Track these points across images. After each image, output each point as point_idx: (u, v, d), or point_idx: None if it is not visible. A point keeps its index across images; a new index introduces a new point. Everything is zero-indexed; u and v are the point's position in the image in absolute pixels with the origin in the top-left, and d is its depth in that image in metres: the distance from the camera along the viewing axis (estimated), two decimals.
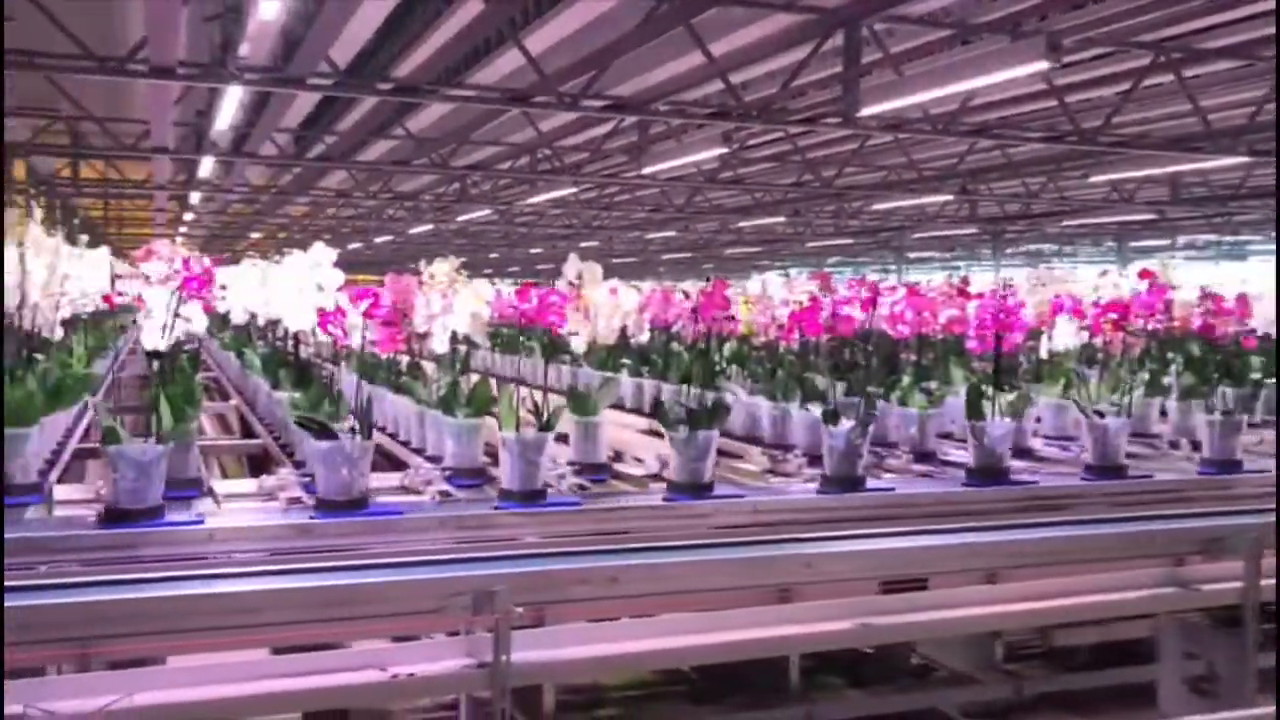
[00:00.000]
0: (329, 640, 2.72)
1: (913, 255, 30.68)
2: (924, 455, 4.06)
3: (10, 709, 2.25)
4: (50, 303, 3.65)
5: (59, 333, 4.05)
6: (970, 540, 3.21)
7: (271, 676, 2.54)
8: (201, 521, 3.02)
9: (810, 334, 4.33)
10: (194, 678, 2.48)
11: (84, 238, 3.98)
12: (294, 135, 12.39)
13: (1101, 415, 3.86)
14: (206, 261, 3.42)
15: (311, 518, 3.10)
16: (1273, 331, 5.13)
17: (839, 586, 3.03)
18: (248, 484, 3.62)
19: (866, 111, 8.31)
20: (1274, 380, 4.83)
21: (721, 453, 4.39)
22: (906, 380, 4.30)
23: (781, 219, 21.06)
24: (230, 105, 7.15)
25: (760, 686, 3.63)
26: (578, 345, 3.85)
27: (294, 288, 3.75)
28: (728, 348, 5.29)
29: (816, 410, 3.75)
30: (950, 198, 17.85)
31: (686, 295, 4.92)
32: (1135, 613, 3.40)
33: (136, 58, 5.39)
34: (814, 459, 3.81)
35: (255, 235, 26.83)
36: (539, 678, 2.66)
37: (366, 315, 3.67)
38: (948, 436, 4.35)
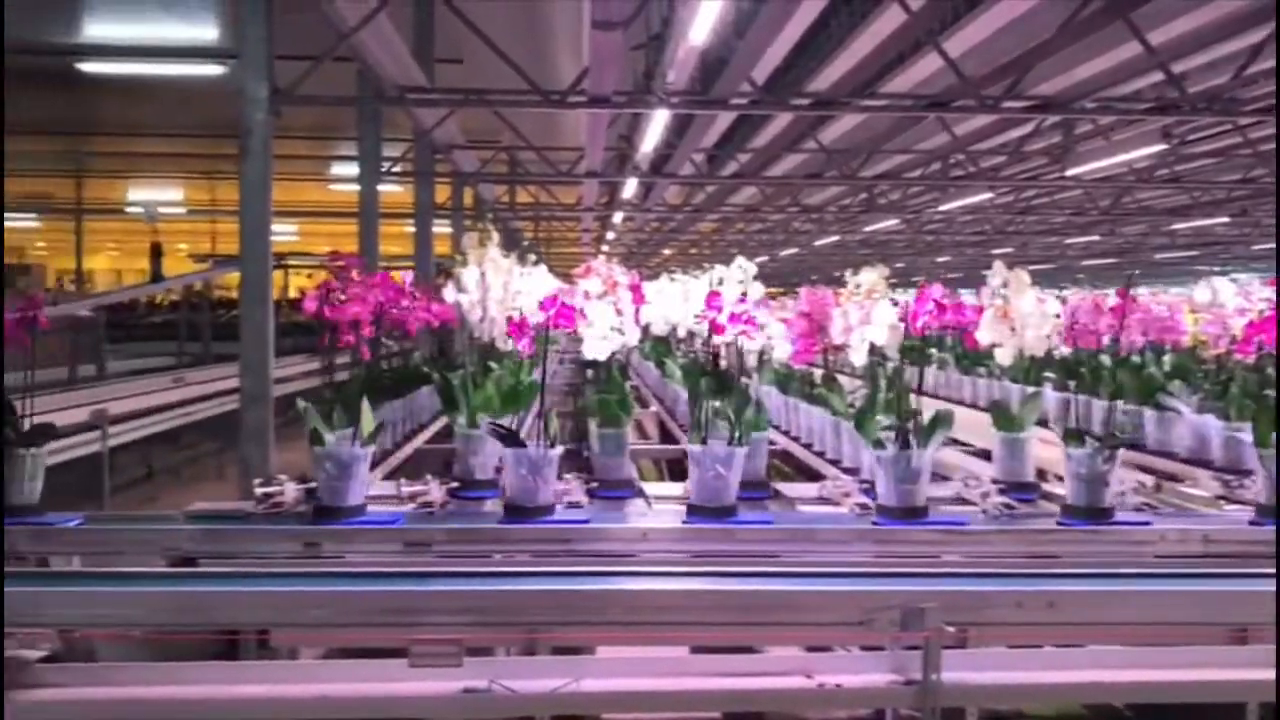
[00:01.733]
0: (740, 644, 2.78)
1: None
2: None
3: (475, 683, 2.49)
4: (504, 316, 4.01)
5: (509, 344, 4.46)
6: None
7: (698, 674, 2.64)
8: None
9: (1271, 347, 3.90)
10: (630, 669, 2.63)
11: (531, 257, 4.35)
12: (707, 155, 12.89)
13: None
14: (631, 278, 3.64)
15: (684, 521, 3.20)
16: None
17: None
18: (675, 487, 3.79)
19: None
20: None
21: (1153, 472, 4.06)
22: None
23: (1225, 219, 19.13)
24: (656, 129, 7.60)
25: None
26: (1002, 357, 3.69)
27: None
28: (1169, 360, 4.88)
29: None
30: None
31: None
32: None
33: (577, 89, 5.85)
34: None
35: (667, 251, 28.19)
36: (966, 700, 2.58)
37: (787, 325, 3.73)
38: None
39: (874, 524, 3.19)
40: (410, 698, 2.47)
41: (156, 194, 22.68)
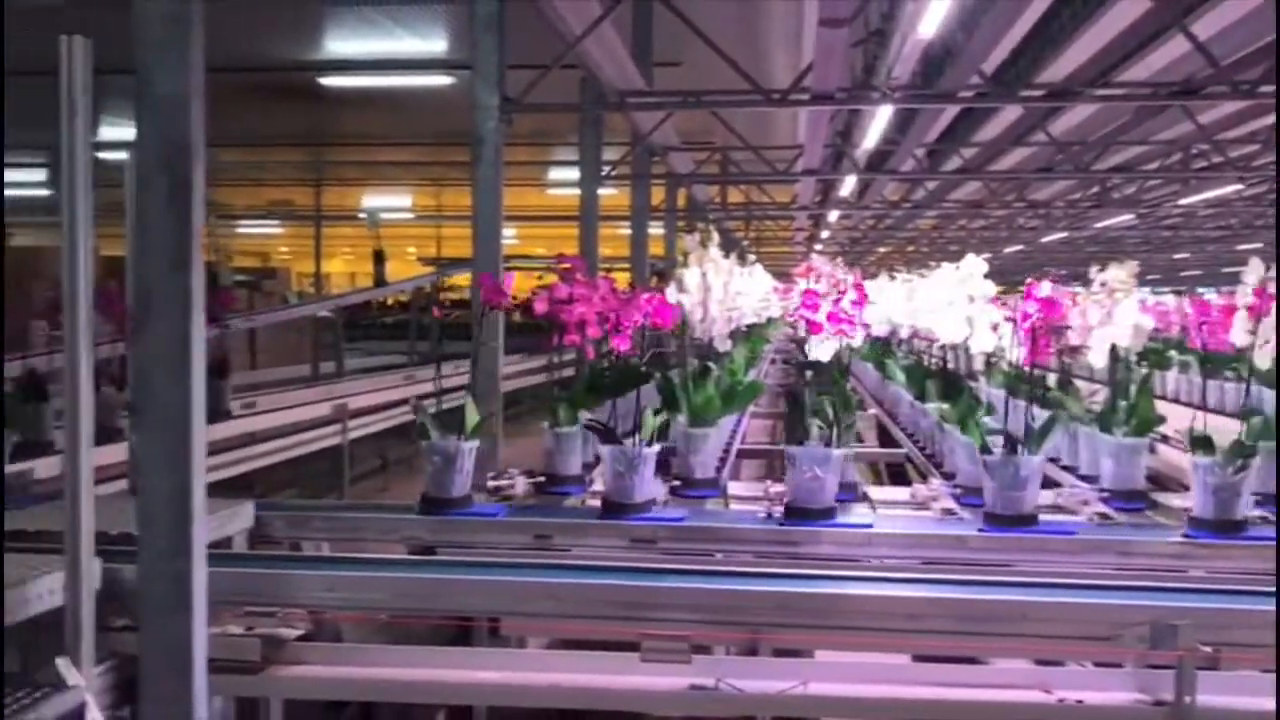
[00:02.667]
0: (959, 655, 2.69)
1: None
2: None
3: (703, 680, 2.51)
4: (724, 316, 4.02)
5: (726, 344, 4.47)
6: None
7: (926, 683, 2.57)
8: (869, 526, 3.14)
9: None
10: (857, 674, 2.59)
11: (750, 257, 4.36)
12: (928, 150, 12.55)
13: None
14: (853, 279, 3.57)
15: (980, 530, 3.09)
16: None
17: None
18: (899, 492, 3.72)
19: None
20: None
21: None
22: None
23: None
24: (878, 125, 7.48)
25: None
26: (1261, 360, 3.44)
27: (944, 300, 3.78)
28: None
29: None
30: None
31: None
32: None
33: (800, 87, 5.82)
34: None
35: (881, 249, 27.63)
36: None
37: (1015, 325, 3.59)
38: None
39: (1186, 537, 3.01)
40: (639, 691, 2.51)
41: (388, 200, 23.92)
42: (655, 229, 12.19)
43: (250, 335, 11.80)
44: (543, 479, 3.68)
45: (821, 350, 3.42)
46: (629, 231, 10.54)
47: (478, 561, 2.93)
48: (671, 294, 3.80)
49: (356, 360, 13.71)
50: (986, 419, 3.60)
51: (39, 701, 2.12)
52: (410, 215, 25.25)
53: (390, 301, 20.97)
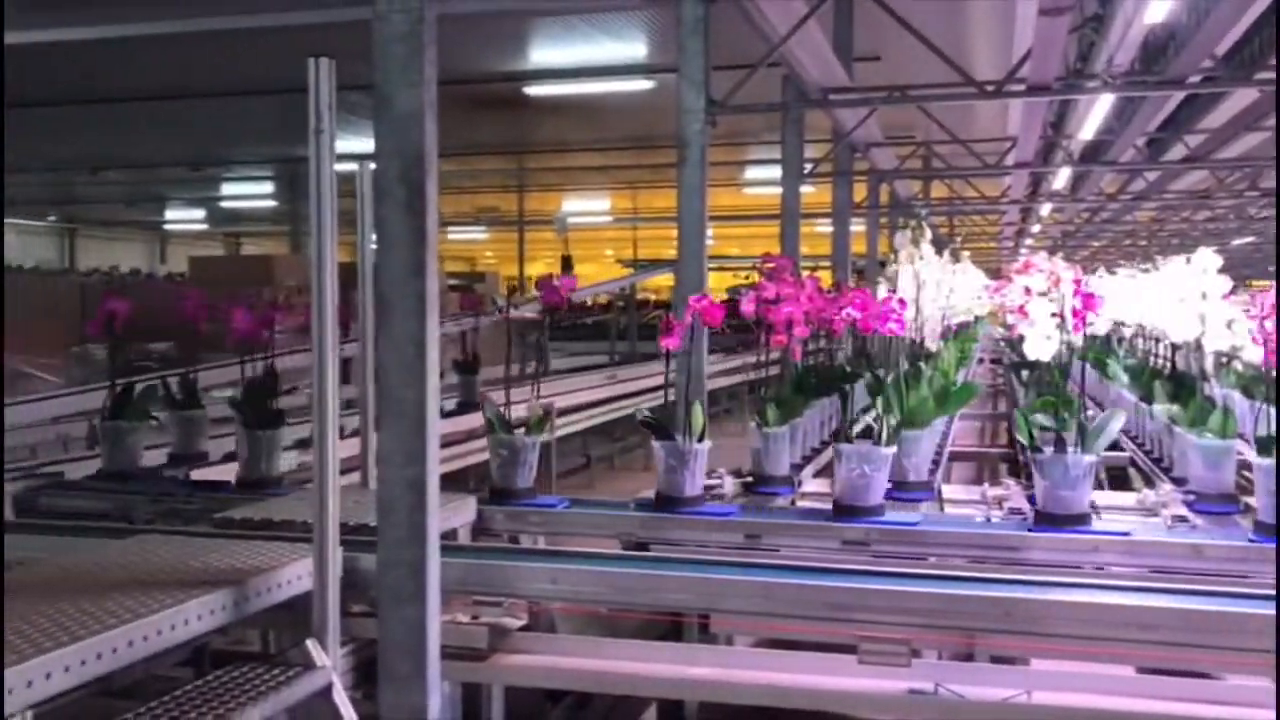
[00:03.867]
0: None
1: None
2: None
3: (922, 685, 2.47)
4: (937, 315, 3.95)
5: (937, 345, 4.38)
6: None
7: (1154, 697, 2.47)
8: (1127, 534, 3.02)
9: None
10: (1081, 685, 2.50)
11: (965, 254, 4.26)
12: (1147, 139, 11.91)
13: None
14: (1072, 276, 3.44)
15: (1249, 539, 2.93)
16: None
17: None
18: (1124, 497, 3.56)
19: None
20: None
21: None
22: None
23: None
24: (1097, 114, 7.16)
25: None
26: None
27: (1174, 296, 3.60)
28: None
29: None
30: None
31: None
32: None
33: (1015, 78, 5.63)
34: None
35: (1095, 244, 26.37)
36: None
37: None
38: None
39: None
40: (856, 693, 2.49)
41: (585, 204, 24.43)
42: (855, 227, 12.01)
43: (462, 336, 12.25)
44: (750, 478, 3.70)
45: (1041, 350, 3.31)
46: (826, 229, 10.42)
47: (699, 559, 2.96)
48: (882, 292, 3.75)
49: (560, 360, 14.05)
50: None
51: (292, 679, 2.28)
52: (608, 218, 25.71)
53: (590, 302, 21.46)
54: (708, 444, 3.38)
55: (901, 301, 3.58)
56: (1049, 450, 3.09)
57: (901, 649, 2.45)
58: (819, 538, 3.21)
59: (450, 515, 3.19)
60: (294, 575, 2.60)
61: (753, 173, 18.46)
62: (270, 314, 3.90)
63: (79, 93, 12.03)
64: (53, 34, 7.95)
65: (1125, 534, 3.03)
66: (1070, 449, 3.07)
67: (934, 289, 3.87)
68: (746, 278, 4.06)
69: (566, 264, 24.78)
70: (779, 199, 7.90)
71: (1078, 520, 3.07)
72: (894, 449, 3.27)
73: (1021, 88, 5.69)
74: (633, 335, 14.55)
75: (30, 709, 1.90)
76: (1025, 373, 4.68)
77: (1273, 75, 6.29)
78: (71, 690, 2.02)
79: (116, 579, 2.45)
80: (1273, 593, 2.56)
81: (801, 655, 2.67)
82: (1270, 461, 2.90)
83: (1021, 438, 3.47)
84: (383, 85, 2.34)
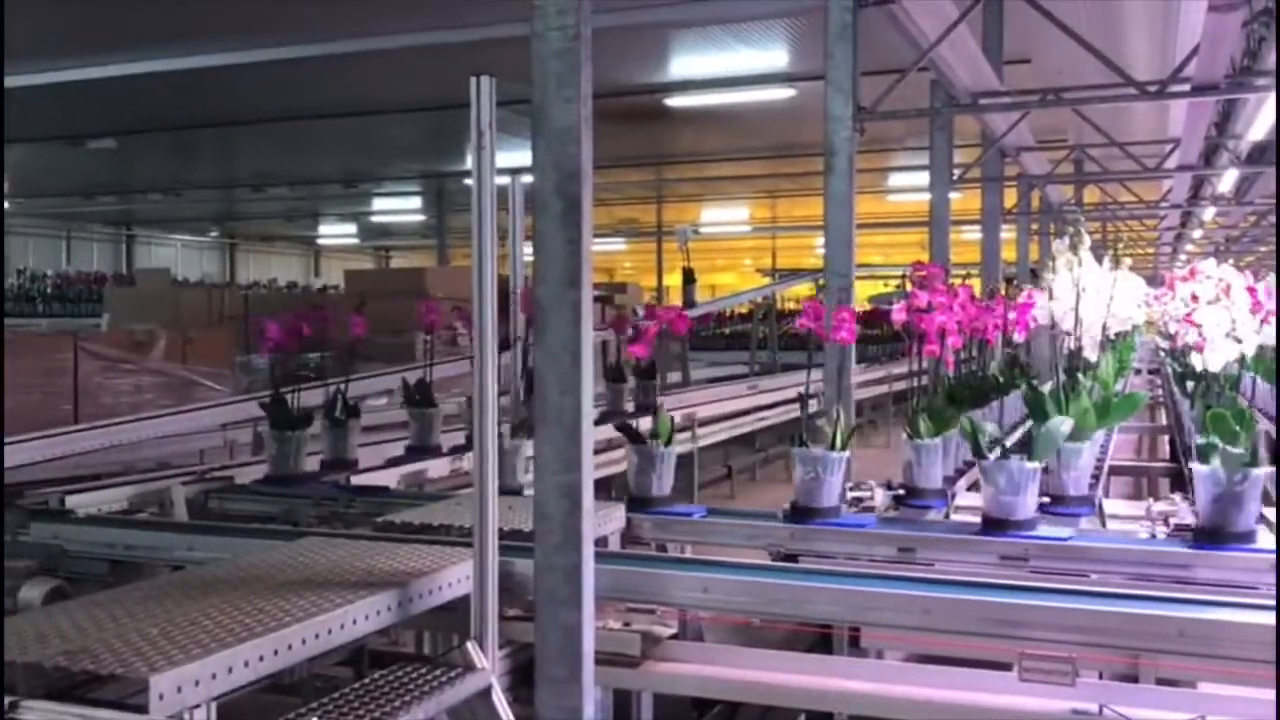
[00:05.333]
0: None
1: None
2: None
3: (1085, 705, 2.39)
4: (1098, 323, 3.82)
5: (1096, 354, 4.23)
6: None
7: None
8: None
9: None
10: (1258, 711, 2.38)
11: (1126, 261, 4.10)
12: None
13: None
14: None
15: None
16: None
17: None
18: None
19: None
20: None
21: None
22: None
23: None
24: (1268, 114, 6.81)
25: None
26: None
27: None
28: None
29: None
30: None
31: None
32: None
33: (1179, 77, 5.41)
34: None
35: (1263, 248, 25.09)
36: None
37: None
38: None
39: None
40: (1016, 712, 2.43)
41: (724, 214, 24.42)
42: (1003, 233, 11.71)
43: (603, 346, 12.39)
44: (901, 491, 3.64)
45: (1212, 360, 3.17)
46: (971, 236, 10.19)
47: (847, 571, 2.94)
48: (1041, 301, 3.65)
49: (701, 371, 14.06)
50: None
51: (454, 680, 2.34)
52: (746, 228, 25.64)
53: (730, 312, 21.45)
54: (848, 454, 3.34)
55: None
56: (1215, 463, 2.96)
57: (1065, 667, 2.37)
58: (970, 552, 3.15)
59: (602, 521, 3.23)
60: (455, 578, 2.67)
61: (896, 179, 18.19)
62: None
63: (247, 113, 12.66)
64: (234, 57, 8.38)
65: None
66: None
67: (1094, 296, 3.73)
68: (898, 286, 4.00)
69: (688, 276, 24.82)
70: (920, 205, 7.76)
71: (1241, 538, 2.92)
72: (1039, 464, 3.17)
73: (1186, 87, 5.45)
74: (773, 345, 14.43)
75: (214, 700, 2.00)
76: (1190, 384, 4.49)
77: None
78: (248, 685, 2.12)
79: (288, 579, 2.56)
80: None
81: (957, 670, 2.61)
82: None
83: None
84: (540, 100, 2.39)
